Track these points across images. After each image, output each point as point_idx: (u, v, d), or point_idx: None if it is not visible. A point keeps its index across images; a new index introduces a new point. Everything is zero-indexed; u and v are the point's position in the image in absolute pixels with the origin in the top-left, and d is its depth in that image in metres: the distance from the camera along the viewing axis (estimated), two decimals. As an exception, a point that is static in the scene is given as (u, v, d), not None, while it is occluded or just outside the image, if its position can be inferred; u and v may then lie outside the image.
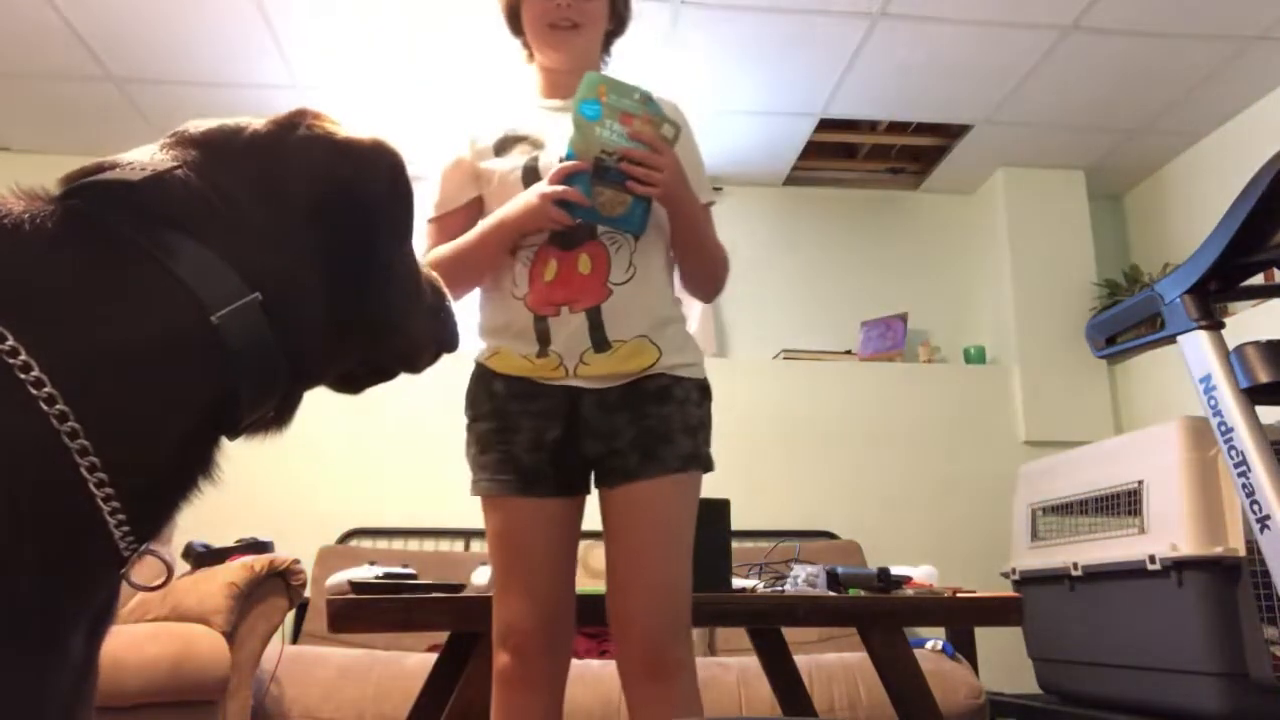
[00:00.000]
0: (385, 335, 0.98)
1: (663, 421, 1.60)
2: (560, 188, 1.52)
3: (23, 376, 0.70)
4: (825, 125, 4.19)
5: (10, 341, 0.70)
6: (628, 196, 1.55)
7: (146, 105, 3.95)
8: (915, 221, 4.76)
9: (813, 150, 4.40)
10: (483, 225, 1.65)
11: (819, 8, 3.35)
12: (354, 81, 3.78)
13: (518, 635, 1.59)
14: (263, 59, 3.63)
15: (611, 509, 1.62)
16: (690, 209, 1.65)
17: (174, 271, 0.79)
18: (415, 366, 1.09)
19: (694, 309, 4.07)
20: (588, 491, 1.69)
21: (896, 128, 4.29)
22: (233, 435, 0.86)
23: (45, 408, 0.70)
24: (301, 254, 0.86)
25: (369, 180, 0.90)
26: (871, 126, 4.31)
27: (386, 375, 1.07)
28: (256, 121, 0.91)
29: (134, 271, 0.78)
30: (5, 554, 0.69)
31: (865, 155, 4.56)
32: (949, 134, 4.30)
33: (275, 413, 0.90)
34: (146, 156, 0.85)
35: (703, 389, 1.69)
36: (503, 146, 1.70)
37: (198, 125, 0.90)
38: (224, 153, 0.87)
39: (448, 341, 1.13)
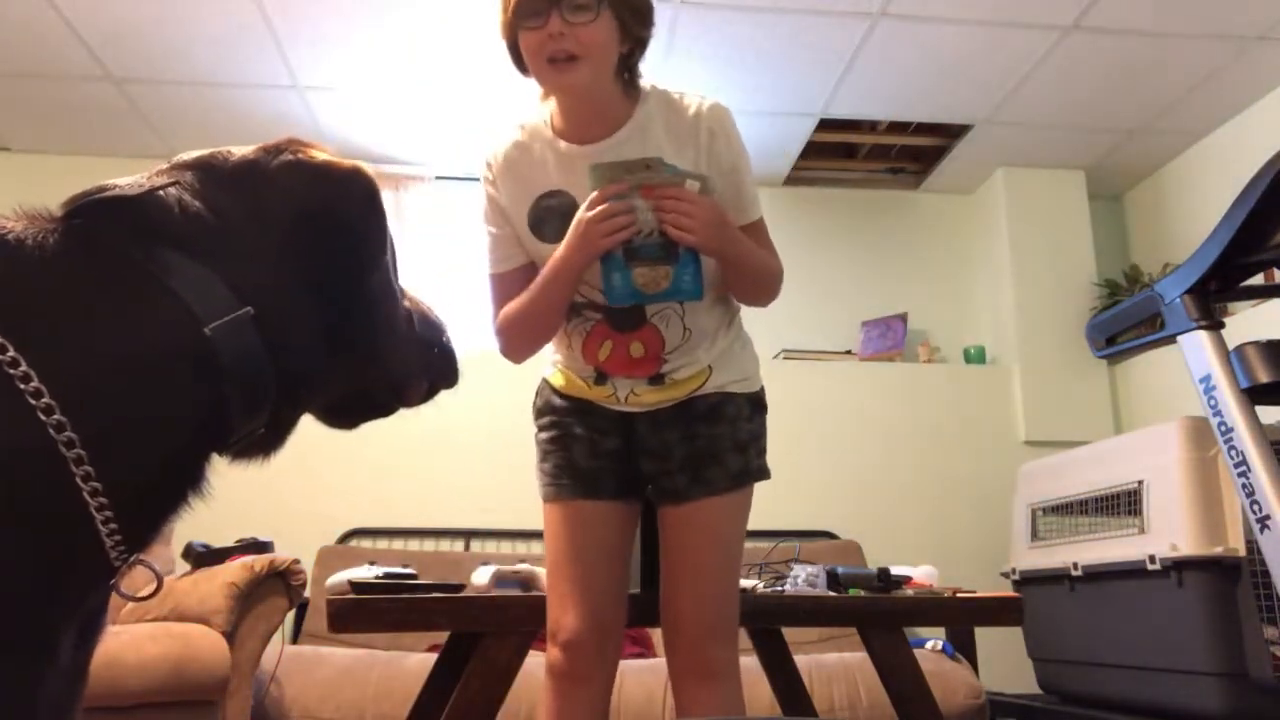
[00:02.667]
0: (370, 360, 1.00)
1: (712, 442, 1.64)
2: (601, 215, 1.48)
3: (22, 387, 0.71)
4: (825, 125, 4.19)
5: (11, 352, 0.71)
6: (668, 268, 1.51)
7: (146, 105, 3.95)
8: (915, 221, 4.76)
9: (813, 150, 4.40)
10: (541, 279, 1.61)
11: (819, 8, 3.35)
12: (354, 81, 3.78)
13: (567, 632, 1.63)
14: (263, 59, 3.63)
15: (666, 525, 1.68)
16: (736, 249, 1.57)
17: (170, 286, 0.80)
18: (406, 399, 1.11)
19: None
20: (642, 498, 1.75)
21: (896, 128, 4.29)
22: (223, 450, 0.88)
23: (44, 417, 0.71)
24: (290, 272, 0.88)
25: (346, 202, 0.93)
26: (871, 126, 4.31)
27: (381, 409, 1.09)
28: (246, 148, 0.94)
29: (131, 286, 0.80)
30: (1, 559, 0.69)
31: (865, 155, 4.56)
32: (949, 134, 4.30)
33: (266, 431, 0.91)
34: (143, 178, 0.88)
35: (754, 403, 1.71)
36: (539, 221, 1.63)
37: (191, 153, 0.93)
38: (215, 175, 0.89)
39: (443, 376, 1.15)
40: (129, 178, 0.87)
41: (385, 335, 1.00)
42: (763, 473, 1.71)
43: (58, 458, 0.72)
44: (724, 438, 1.65)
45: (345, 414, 1.08)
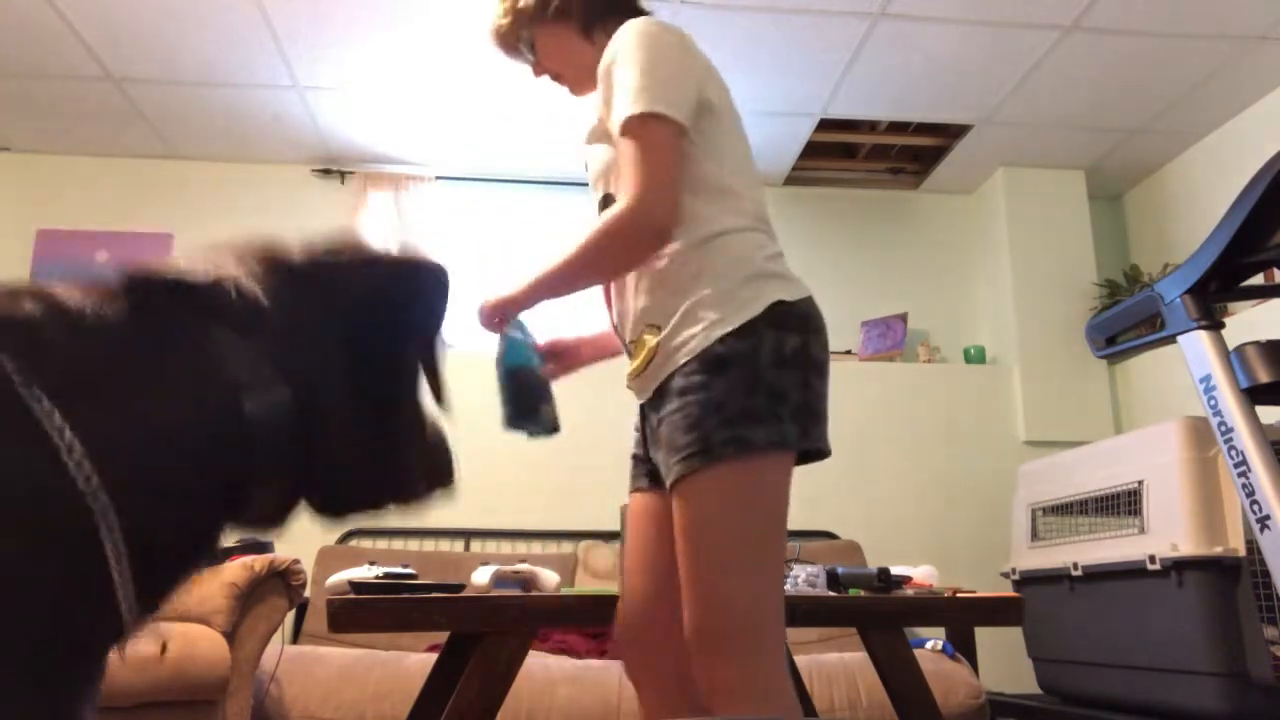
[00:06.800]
0: (391, 453, 1.02)
1: (670, 427, 1.45)
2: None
3: (66, 459, 0.74)
4: (825, 125, 4.19)
5: (58, 420, 0.75)
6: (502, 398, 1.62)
7: (146, 105, 3.95)
8: (915, 221, 4.77)
9: (813, 150, 4.40)
10: None
11: (819, 8, 3.35)
12: (354, 81, 3.78)
13: (620, 620, 1.63)
14: (263, 59, 3.63)
15: None
16: (533, 294, 1.55)
17: (218, 362, 0.85)
18: (405, 496, 1.08)
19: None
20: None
21: (896, 128, 4.29)
22: (237, 521, 0.91)
23: (82, 486, 0.74)
24: (332, 364, 0.93)
25: (409, 301, 1.01)
26: (871, 126, 4.31)
27: (374, 506, 1.07)
28: (321, 241, 0.99)
29: (179, 363, 0.84)
30: (19, 613, 0.72)
31: (865, 155, 4.56)
32: (949, 134, 4.30)
33: (273, 509, 0.94)
34: (205, 260, 0.93)
35: (706, 363, 1.41)
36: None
37: (262, 237, 0.98)
38: (277, 264, 0.94)
39: (439, 475, 1.12)
40: (192, 255, 0.92)
41: (409, 434, 1.03)
42: (730, 444, 1.37)
43: (90, 526, 0.74)
44: (674, 422, 1.43)
45: (337, 506, 1.06)
